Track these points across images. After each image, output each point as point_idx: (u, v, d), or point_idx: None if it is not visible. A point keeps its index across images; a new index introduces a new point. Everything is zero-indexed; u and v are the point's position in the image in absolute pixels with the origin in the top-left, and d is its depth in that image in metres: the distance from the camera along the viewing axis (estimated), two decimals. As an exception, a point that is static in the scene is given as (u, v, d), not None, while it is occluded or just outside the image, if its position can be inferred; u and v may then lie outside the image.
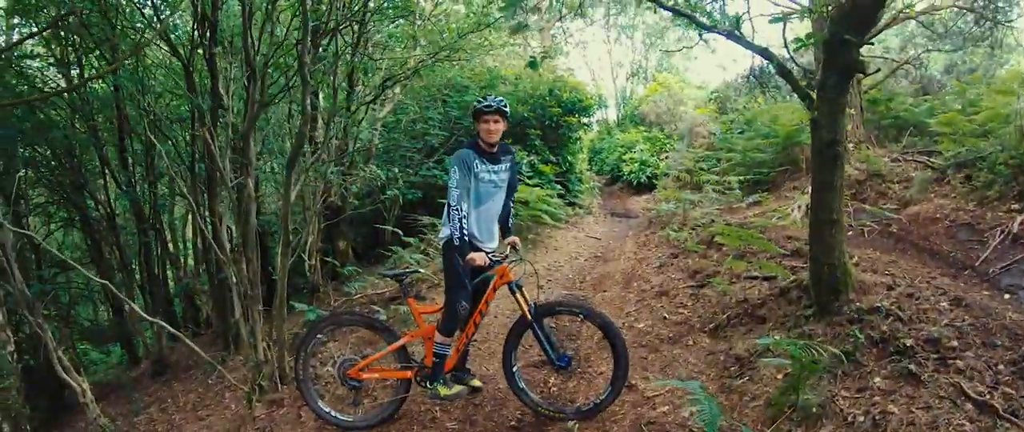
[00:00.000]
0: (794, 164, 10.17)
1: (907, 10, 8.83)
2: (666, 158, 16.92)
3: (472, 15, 9.24)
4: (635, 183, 17.59)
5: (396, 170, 9.38)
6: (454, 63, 10.17)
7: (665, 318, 5.67)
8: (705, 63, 40.37)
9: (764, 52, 4.42)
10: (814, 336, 4.09)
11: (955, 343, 3.61)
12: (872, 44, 5.16)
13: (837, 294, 4.26)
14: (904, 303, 4.12)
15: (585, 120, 13.83)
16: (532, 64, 5.24)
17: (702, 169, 11.93)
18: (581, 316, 4.06)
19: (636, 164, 17.71)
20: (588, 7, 20.79)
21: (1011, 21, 10.27)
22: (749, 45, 4.42)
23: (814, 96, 4.16)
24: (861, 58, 4.03)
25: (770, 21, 4.36)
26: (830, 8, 4.05)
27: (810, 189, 4.58)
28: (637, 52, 28.66)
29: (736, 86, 18.50)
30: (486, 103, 3.95)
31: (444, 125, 10.72)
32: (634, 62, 28.57)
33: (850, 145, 8.51)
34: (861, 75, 5.59)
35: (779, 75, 4.41)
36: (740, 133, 13.30)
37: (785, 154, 10.48)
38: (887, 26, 8.70)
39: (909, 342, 3.66)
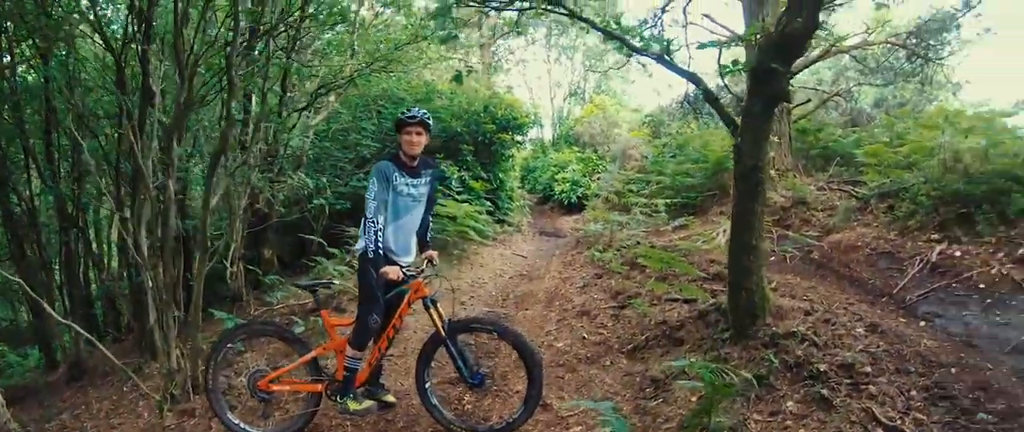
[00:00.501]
0: (722, 189, 10.27)
1: (838, 44, 9.08)
2: (598, 179, 17.05)
3: (410, 27, 9.17)
4: (566, 203, 17.61)
5: (325, 179, 9.21)
6: (391, 74, 10.06)
7: (584, 338, 5.66)
8: (642, 87, 41.10)
9: (692, 77, 4.47)
10: (730, 359, 4.11)
11: (868, 369, 3.66)
12: (795, 74, 5.26)
13: (754, 318, 4.30)
14: (820, 328, 4.17)
15: (519, 138, 13.82)
16: (457, 78, 5.22)
17: (631, 191, 12.04)
18: (495, 334, 4.01)
19: (568, 184, 17.76)
20: (528, 26, 20.87)
21: (942, 59, 10.66)
22: (678, 70, 4.46)
23: (739, 123, 4.21)
24: (788, 87, 4.10)
25: (697, 47, 4.41)
26: (758, 37, 4.10)
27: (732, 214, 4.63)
28: (576, 73, 29.02)
29: (670, 111, 18.78)
30: (409, 114, 3.91)
31: (376, 136, 10.60)
32: (573, 83, 28.90)
33: (775, 173, 8.66)
34: (789, 104, 5.71)
35: (705, 100, 4.46)
36: (672, 157, 13.47)
37: (714, 179, 10.62)
38: (820, 58, 8.94)
39: (823, 367, 3.70)
